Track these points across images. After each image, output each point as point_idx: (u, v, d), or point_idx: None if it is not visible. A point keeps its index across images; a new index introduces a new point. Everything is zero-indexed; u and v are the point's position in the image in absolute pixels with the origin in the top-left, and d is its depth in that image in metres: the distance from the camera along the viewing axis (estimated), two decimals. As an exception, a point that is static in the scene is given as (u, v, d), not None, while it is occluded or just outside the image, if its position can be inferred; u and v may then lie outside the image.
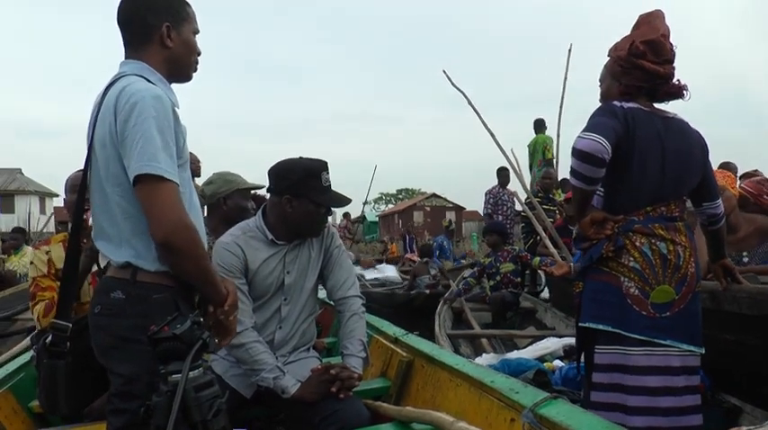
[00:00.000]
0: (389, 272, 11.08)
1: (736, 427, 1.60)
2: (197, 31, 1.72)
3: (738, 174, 6.16)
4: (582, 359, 2.34)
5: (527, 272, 7.17)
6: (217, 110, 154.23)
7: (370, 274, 10.66)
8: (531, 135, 9.71)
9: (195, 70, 1.75)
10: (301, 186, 2.23)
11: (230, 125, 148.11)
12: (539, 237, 6.56)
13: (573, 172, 2.06)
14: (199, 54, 1.73)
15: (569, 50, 7.99)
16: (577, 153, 2.00)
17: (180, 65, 1.69)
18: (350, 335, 2.32)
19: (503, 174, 8.53)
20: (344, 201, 2.36)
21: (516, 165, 6.38)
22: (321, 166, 2.27)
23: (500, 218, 8.60)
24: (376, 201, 74.70)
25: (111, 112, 1.51)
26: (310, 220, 2.29)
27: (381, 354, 2.83)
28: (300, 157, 2.32)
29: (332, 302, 2.54)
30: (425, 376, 2.46)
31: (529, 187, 8.65)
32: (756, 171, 5.17)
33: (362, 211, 16.08)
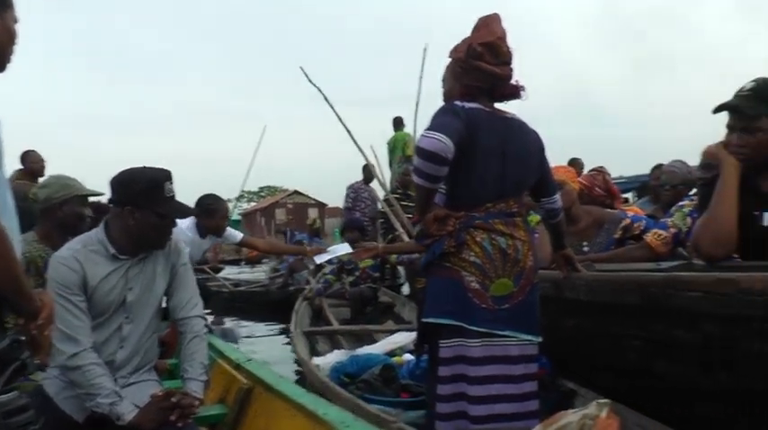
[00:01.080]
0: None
1: (566, 410, 1.67)
2: (17, 20, 1.55)
3: (585, 171, 6.63)
4: (426, 353, 2.37)
5: (387, 266, 7.27)
6: (73, 104, 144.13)
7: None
8: (391, 132, 9.87)
9: (10, 61, 1.58)
10: (144, 197, 2.12)
11: (85, 120, 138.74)
12: (397, 233, 6.68)
13: (416, 170, 2.08)
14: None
15: (425, 50, 8.18)
16: (421, 152, 2.02)
17: (1, 54, 1.52)
18: (191, 357, 2.22)
19: (367, 170, 8.61)
20: (188, 211, 2.30)
21: (376, 162, 6.45)
22: (164, 176, 2.19)
23: (357, 214, 8.68)
24: (238, 199, 72.94)
25: None
26: (154, 233, 2.19)
27: (222, 380, 2.76)
28: (144, 167, 2.22)
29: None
30: (263, 404, 2.42)
31: (388, 183, 8.82)
32: (602, 167, 5.56)
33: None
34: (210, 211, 4.21)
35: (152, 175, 2.18)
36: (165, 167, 2.25)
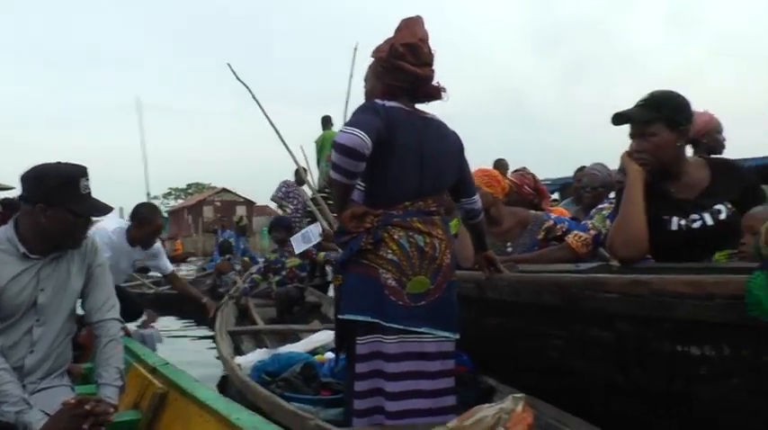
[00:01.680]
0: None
1: (482, 404, 1.70)
2: None
3: (510, 171, 6.80)
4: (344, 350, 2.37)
5: (315, 266, 7.22)
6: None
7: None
8: (320, 131, 9.84)
9: None
10: (57, 194, 2.03)
11: (13, 116, 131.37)
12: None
13: (334, 166, 2.08)
14: None
15: (355, 49, 8.16)
16: (339, 147, 2.02)
17: None
18: (106, 362, 2.14)
19: (299, 174, 8.56)
20: (105, 209, 2.19)
21: (305, 162, 6.40)
22: (80, 172, 2.10)
23: (289, 210, 8.64)
24: (165, 196, 71.36)
25: None
26: (68, 231, 2.10)
27: (137, 384, 2.68)
28: (58, 162, 2.11)
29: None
30: (177, 409, 2.37)
31: (317, 182, 8.77)
32: (525, 168, 5.72)
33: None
34: (141, 220, 4.09)
35: (66, 171, 2.09)
36: (82, 164, 2.16)
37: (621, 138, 2.51)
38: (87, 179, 2.11)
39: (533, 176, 4.08)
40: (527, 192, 3.95)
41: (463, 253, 3.11)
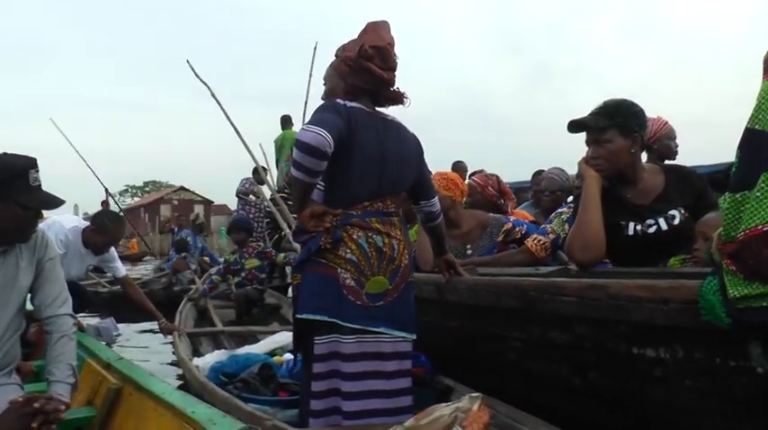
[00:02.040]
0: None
1: (438, 404, 1.72)
2: None
3: (468, 173, 6.87)
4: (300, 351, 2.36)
5: (275, 268, 7.16)
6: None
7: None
8: (278, 131, 9.76)
9: None
10: (5, 186, 1.97)
11: None
12: (284, 233, 6.60)
13: (295, 164, 2.06)
14: None
15: (314, 48, 8.13)
16: (301, 145, 2.00)
17: None
18: (57, 358, 2.09)
19: (258, 173, 8.49)
20: (56, 202, 2.13)
21: (264, 160, 6.35)
22: (29, 164, 2.04)
23: (252, 209, 8.56)
24: (121, 193, 69.92)
25: None
26: (16, 225, 2.04)
27: (91, 380, 2.61)
28: (5, 153, 2.05)
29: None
30: (132, 405, 2.32)
31: (276, 182, 8.70)
32: (482, 170, 5.81)
33: (102, 202, 14.86)
34: (101, 228, 3.98)
35: (15, 163, 2.03)
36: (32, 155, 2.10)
37: (578, 142, 2.58)
38: (37, 171, 2.06)
39: (497, 178, 4.10)
40: (491, 193, 3.98)
41: (422, 256, 3.13)
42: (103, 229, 3.99)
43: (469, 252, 3.55)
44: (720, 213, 2.19)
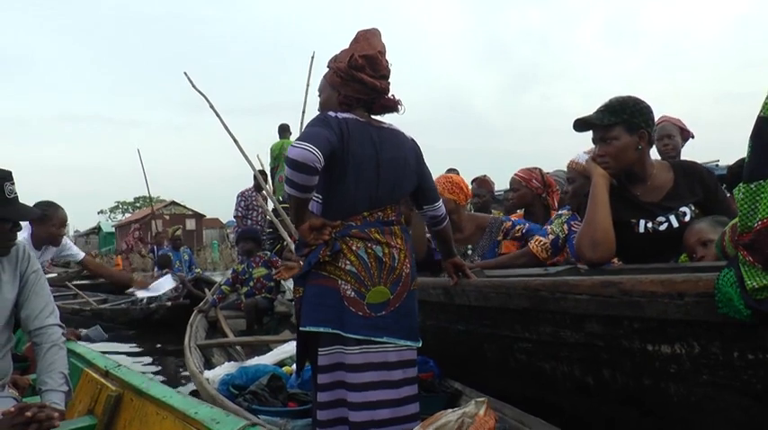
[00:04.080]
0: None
1: (446, 409, 1.73)
2: None
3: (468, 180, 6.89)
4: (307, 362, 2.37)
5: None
6: None
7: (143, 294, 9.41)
8: (275, 139, 9.76)
9: None
10: None
11: None
12: (285, 243, 6.57)
13: (287, 180, 2.07)
14: None
15: (312, 58, 8.14)
16: (291, 162, 2.01)
17: None
18: (49, 368, 2.10)
19: (257, 179, 8.44)
20: (32, 213, 2.18)
21: (267, 170, 6.32)
22: (4, 176, 2.06)
23: (250, 222, 8.51)
24: (112, 209, 69.63)
25: None
26: None
27: (91, 389, 2.59)
28: None
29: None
30: (134, 411, 2.31)
31: (275, 191, 8.68)
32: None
33: (98, 222, 14.77)
34: (43, 218, 3.86)
35: None
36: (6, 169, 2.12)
37: (565, 145, 2.58)
38: (12, 183, 2.07)
39: (540, 170, 4.04)
40: (535, 186, 3.94)
41: (415, 245, 3.16)
42: (46, 217, 3.89)
43: (470, 252, 3.58)
44: (707, 220, 2.23)
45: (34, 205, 3.87)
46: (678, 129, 4.17)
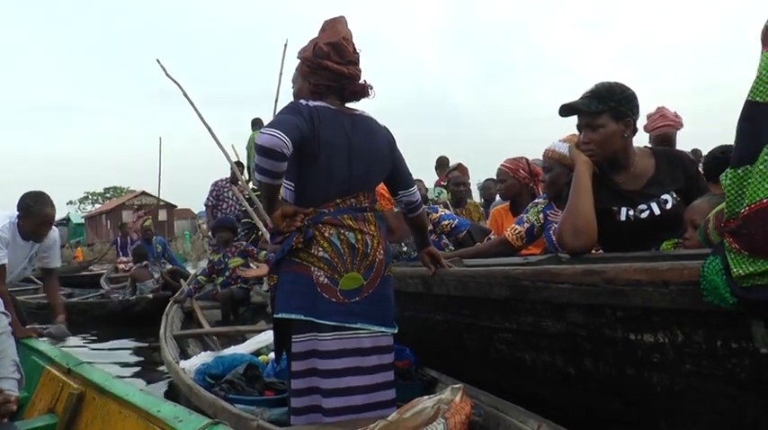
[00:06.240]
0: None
1: (422, 396, 1.75)
2: None
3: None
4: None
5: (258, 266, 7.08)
6: None
7: None
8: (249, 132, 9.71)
9: None
10: None
11: None
12: (260, 233, 6.53)
13: (257, 167, 2.07)
14: None
15: (285, 46, 8.03)
16: (259, 148, 2.02)
17: None
18: None
19: (233, 170, 8.38)
20: None
21: (243, 160, 6.26)
22: None
23: (220, 213, 8.46)
24: (81, 200, 68.51)
25: None
26: None
27: (51, 387, 2.55)
28: None
29: None
30: (96, 409, 2.29)
31: (250, 182, 8.61)
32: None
33: (68, 213, 14.47)
34: (27, 212, 3.73)
35: None
36: None
37: (538, 134, 2.55)
38: None
39: (526, 160, 3.99)
40: (522, 176, 3.89)
41: (400, 229, 3.17)
42: (29, 212, 3.73)
43: (405, 248, 3.55)
44: (707, 198, 2.19)
45: (23, 195, 3.74)
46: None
